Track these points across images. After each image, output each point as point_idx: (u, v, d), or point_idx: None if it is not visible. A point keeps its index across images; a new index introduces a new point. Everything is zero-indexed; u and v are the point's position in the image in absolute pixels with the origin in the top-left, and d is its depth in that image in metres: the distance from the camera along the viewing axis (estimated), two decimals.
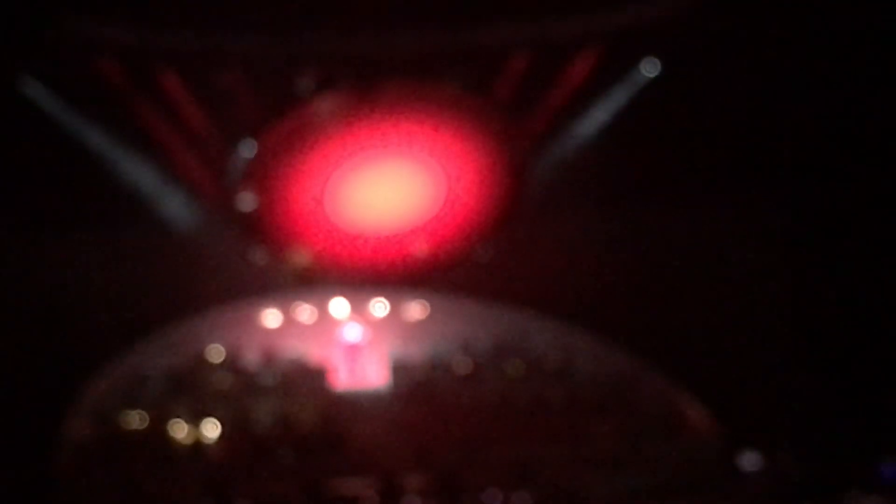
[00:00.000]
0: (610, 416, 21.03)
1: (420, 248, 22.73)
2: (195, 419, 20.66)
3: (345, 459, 19.92)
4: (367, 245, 22.70)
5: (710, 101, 20.27)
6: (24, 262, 21.19)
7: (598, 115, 22.04)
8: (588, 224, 22.19)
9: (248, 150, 21.94)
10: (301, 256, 22.77)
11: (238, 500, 18.60)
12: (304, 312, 23.00)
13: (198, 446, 20.45)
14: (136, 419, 20.71)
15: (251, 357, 22.50)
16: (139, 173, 22.08)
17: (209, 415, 20.72)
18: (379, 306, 23.13)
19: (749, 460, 19.01)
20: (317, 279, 23.01)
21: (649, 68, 21.51)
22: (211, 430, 20.52)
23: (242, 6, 19.42)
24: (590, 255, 22.10)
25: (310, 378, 21.98)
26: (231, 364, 22.24)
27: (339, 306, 23.04)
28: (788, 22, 19.07)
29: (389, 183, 22.50)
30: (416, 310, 23.18)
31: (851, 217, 20.60)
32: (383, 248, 22.73)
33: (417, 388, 21.79)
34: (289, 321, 22.96)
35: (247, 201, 22.31)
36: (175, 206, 22.51)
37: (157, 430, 20.57)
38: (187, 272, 22.14)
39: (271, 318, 22.91)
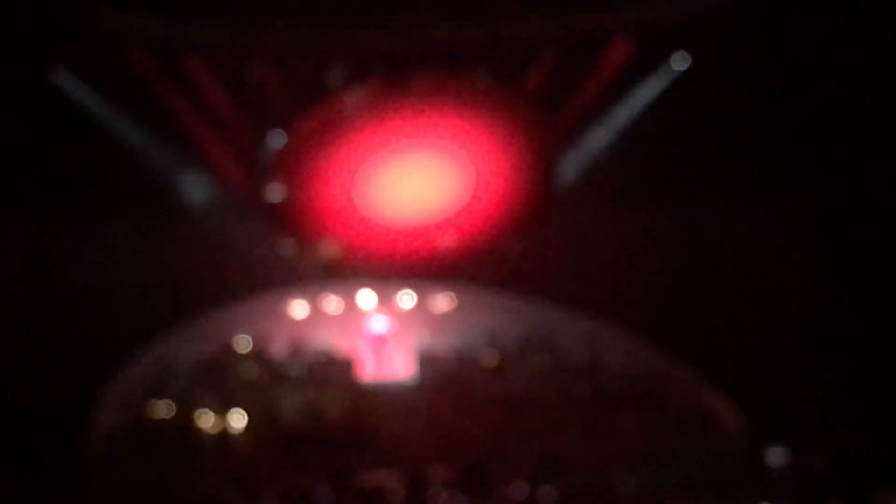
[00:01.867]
0: (637, 412, 20.95)
1: (448, 241, 22.73)
2: (222, 409, 20.69)
3: (371, 451, 19.90)
4: (395, 237, 22.69)
5: (740, 95, 20.23)
6: (54, 252, 21.34)
7: (629, 109, 22.03)
8: (617, 218, 22.19)
9: (277, 141, 21.98)
10: (329, 248, 22.79)
11: (264, 491, 18.59)
12: (332, 304, 23.05)
13: (224, 436, 20.47)
14: (163, 409, 20.75)
15: (278, 348, 22.55)
16: (170, 164, 22.15)
17: (236, 405, 20.73)
18: (406, 298, 23.16)
19: (776, 456, 18.92)
20: (344, 270, 23.04)
21: (679, 62, 21.47)
22: (238, 420, 20.54)
23: None
24: (618, 250, 22.09)
25: (337, 369, 22.01)
26: (258, 355, 22.29)
27: (366, 298, 23.08)
28: (822, 17, 19.01)
29: (418, 175, 22.51)
30: (443, 302, 23.20)
31: (882, 214, 20.54)
32: (411, 240, 22.72)
33: (444, 380, 21.78)
34: (316, 312, 23.02)
35: (276, 192, 22.34)
36: (204, 197, 22.56)
37: (185, 419, 20.60)
38: (216, 262, 22.22)
39: (299, 308, 22.97)
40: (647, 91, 21.83)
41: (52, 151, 20.19)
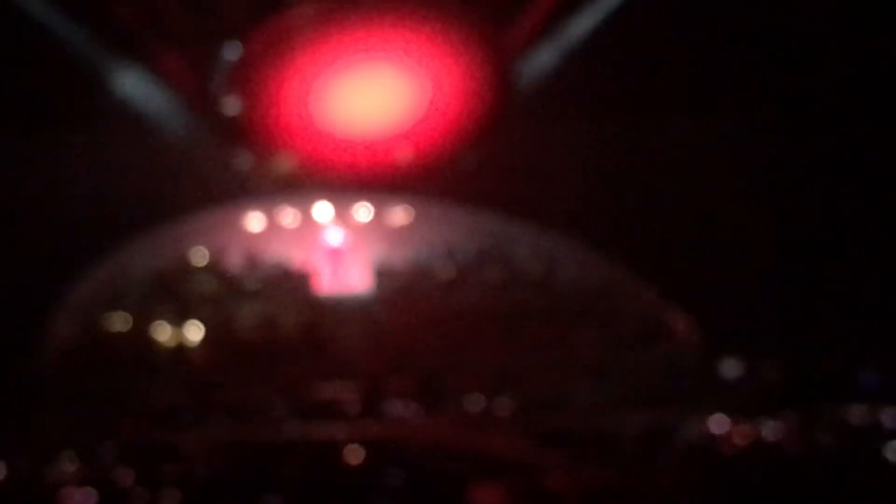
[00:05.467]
0: (592, 324, 21.06)
1: (405, 154, 22.65)
2: (178, 322, 20.68)
3: (327, 363, 19.96)
4: (352, 149, 22.55)
5: (703, 10, 20.15)
6: (6, 166, 21.10)
7: (587, 22, 21.89)
8: (574, 132, 22.09)
9: (232, 53, 21.77)
10: (285, 160, 22.67)
11: (219, 402, 18.65)
12: (288, 216, 22.95)
13: (180, 349, 20.48)
14: (119, 321, 20.71)
15: (234, 261, 22.48)
16: (122, 77, 21.93)
17: (192, 317, 20.72)
18: (363, 211, 23.08)
19: (730, 368, 19.09)
20: (301, 183, 22.93)
21: None
22: (194, 332, 20.54)
23: None
24: (575, 164, 22.05)
25: (293, 282, 21.98)
26: (214, 267, 22.22)
27: (322, 210, 22.98)
28: None
29: (375, 88, 22.33)
30: (399, 215, 23.14)
31: (839, 135, 20.61)
32: (368, 153, 22.59)
33: (400, 293, 21.80)
34: (272, 225, 22.91)
35: (231, 105, 22.16)
36: (159, 110, 22.36)
37: (140, 332, 20.59)
38: (171, 176, 22.04)
39: (255, 221, 22.86)
40: (602, 5, 21.71)
41: (2, 64, 19.94)
